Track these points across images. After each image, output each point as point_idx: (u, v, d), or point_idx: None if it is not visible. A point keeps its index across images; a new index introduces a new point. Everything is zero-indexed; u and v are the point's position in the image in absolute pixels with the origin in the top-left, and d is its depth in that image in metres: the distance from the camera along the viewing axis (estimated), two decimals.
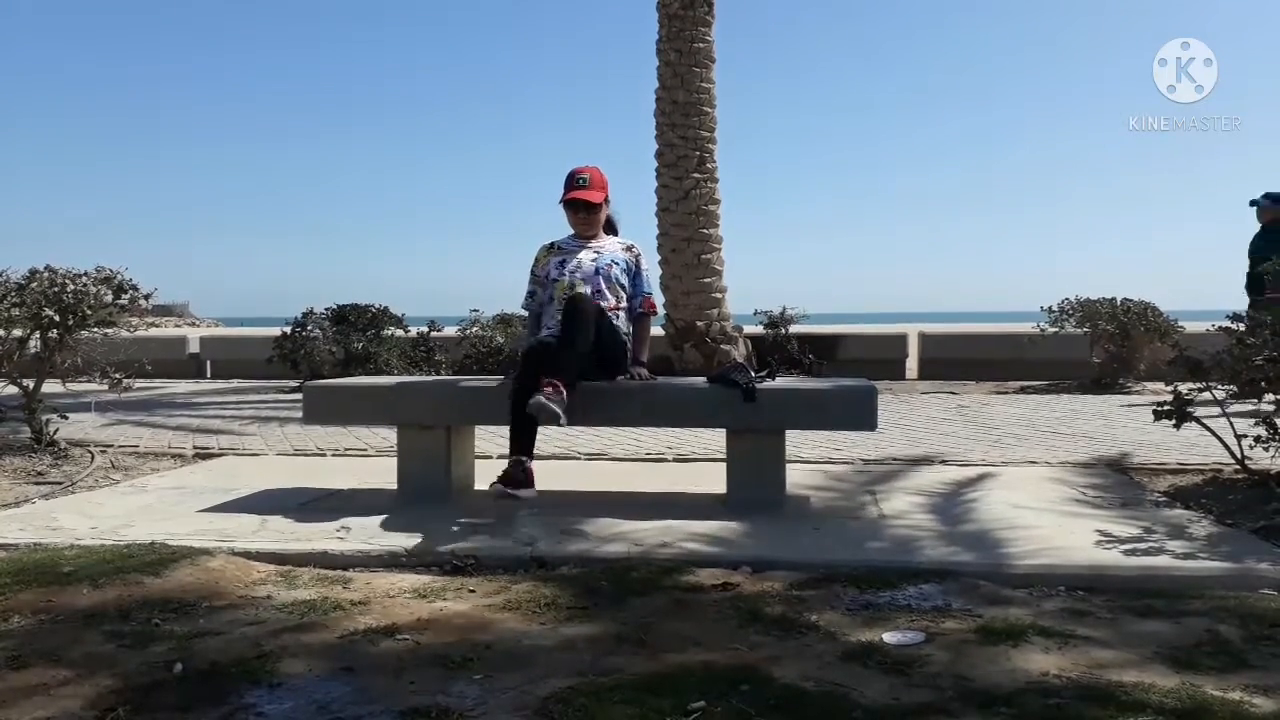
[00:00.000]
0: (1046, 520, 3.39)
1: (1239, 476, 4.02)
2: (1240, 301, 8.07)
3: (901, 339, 11.25)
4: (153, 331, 14.58)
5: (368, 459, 5.04)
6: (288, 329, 9.35)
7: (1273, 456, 3.83)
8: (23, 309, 4.90)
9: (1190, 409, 3.89)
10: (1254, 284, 8.03)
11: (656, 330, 4.79)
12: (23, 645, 2.14)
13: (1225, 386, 4.04)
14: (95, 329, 5.20)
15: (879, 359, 10.66)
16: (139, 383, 5.62)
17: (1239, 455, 3.95)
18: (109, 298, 5.15)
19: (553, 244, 4.06)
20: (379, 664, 2.02)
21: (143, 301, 5.42)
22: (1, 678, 1.96)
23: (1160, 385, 6.45)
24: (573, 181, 3.95)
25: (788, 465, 3.76)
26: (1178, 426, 3.93)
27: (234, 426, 6.33)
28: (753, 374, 3.65)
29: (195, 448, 5.38)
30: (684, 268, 9.53)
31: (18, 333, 5.09)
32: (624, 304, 3.94)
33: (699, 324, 9.37)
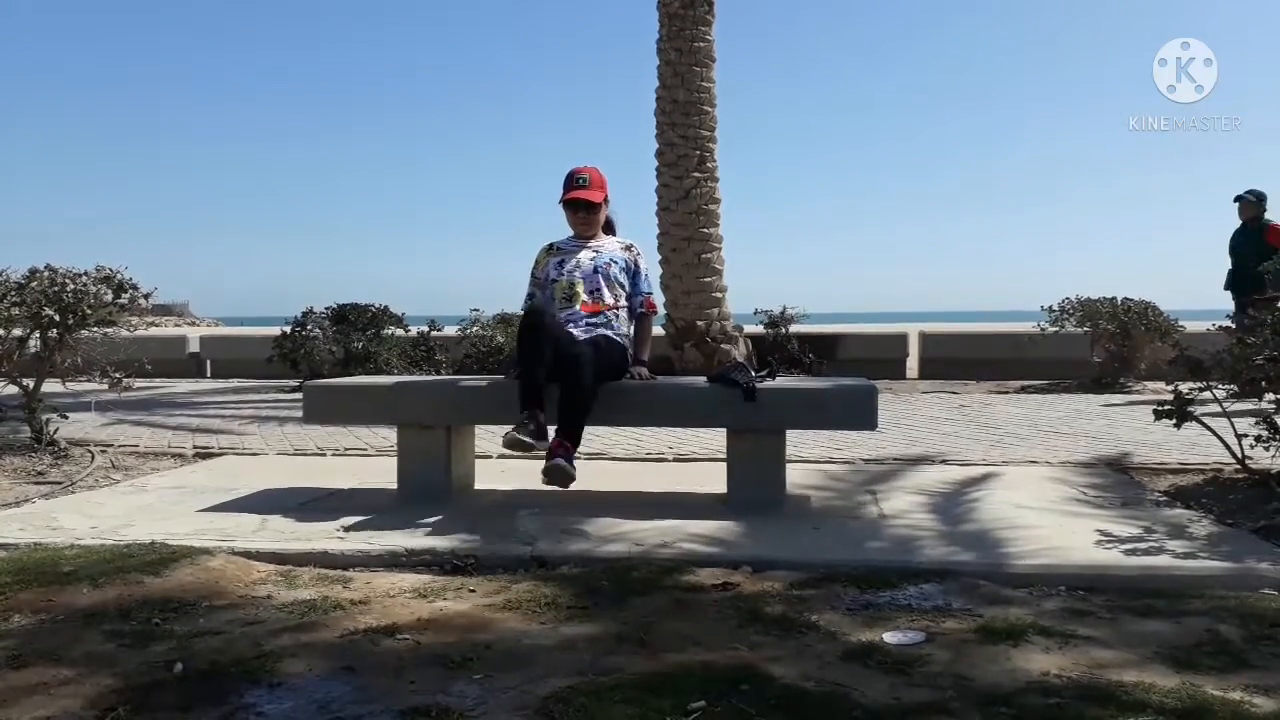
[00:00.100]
0: (1047, 520, 3.39)
1: (1239, 476, 4.01)
2: (1223, 300, 8.06)
3: (902, 338, 11.25)
4: (153, 331, 14.58)
5: (368, 459, 5.04)
6: (288, 328, 9.35)
7: (1273, 456, 3.83)
8: (23, 308, 4.90)
9: (1191, 408, 3.89)
10: (1235, 282, 8.02)
11: (656, 330, 4.78)
12: (23, 645, 2.14)
13: (1225, 386, 4.04)
14: (95, 328, 5.20)
15: (879, 358, 10.66)
16: (139, 382, 5.62)
17: (1239, 455, 3.95)
18: (109, 297, 5.15)
19: (552, 245, 4.06)
20: (379, 663, 2.02)
21: (142, 301, 5.42)
22: (2, 677, 1.96)
23: (1161, 385, 6.45)
24: (572, 181, 3.95)
25: (788, 465, 3.76)
26: (1178, 426, 3.93)
27: (234, 426, 6.33)
28: (753, 373, 3.65)
29: (195, 447, 5.38)
30: (684, 267, 9.52)
31: (18, 332, 5.09)
32: (623, 303, 3.94)
33: (699, 323, 9.37)
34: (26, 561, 2.81)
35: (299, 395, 5.45)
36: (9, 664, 2.02)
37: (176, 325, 45.98)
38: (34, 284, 4.95)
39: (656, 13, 9.75)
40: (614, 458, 4.96)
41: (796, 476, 4.15)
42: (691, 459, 4.91)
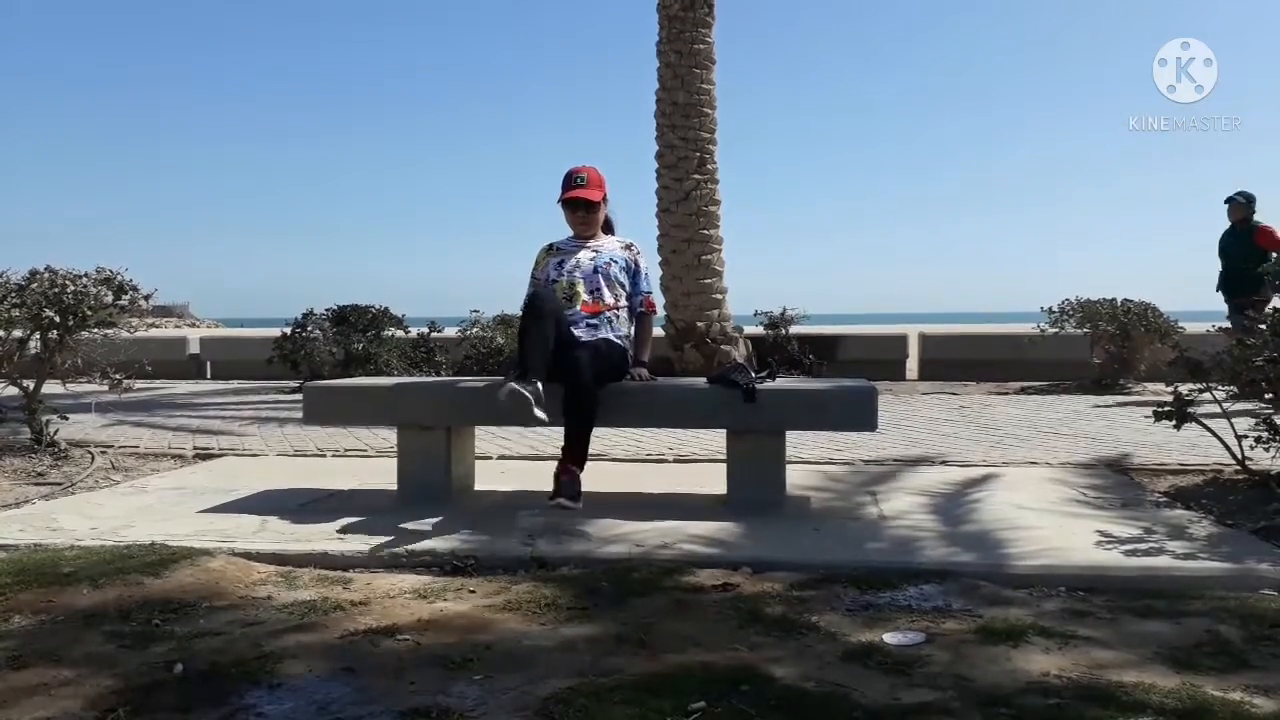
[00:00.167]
0: (1047, 521, 3.39)
1: (1239, 477, 4.01)
2: (1222, 301, 8.06)
3: (902, 339, 11.25)
4: (153, 332, 14.57)
5: (368, 460, 5.04)
6: (288, 330, 9.36)
7: (1273, 457, 3.83)
8: (23, 310, 4.90)
9: (1191, 409, 3.89)
10: (1226, 284, 8.02)
11: (656, 331, 4.78)
12: (23, 645, 2.14)
13: (1225, 387, 4.04)
14: (95, 330, 5.20)
15: (879, 359, 10.66)
16: (139, 383, 5.62)
17: (1239, 456, 3.95)
18: (109, 298, 5.16)
19: (551, 245, 4.06)
20: (379, 664, 2.02)
21: (143, 302, 5.42)
22: (2, 678, 1.96)
23: (1161, 386, 6.46)
24: (571, 181, 3.95)
25: (788, 466, 3.76)
26: (1178, 427, 3.93)
27: (234, 427, 6.33)
28: (753, 375, 3.65)
29: (195, 448, 5.38)
30: (684, 269, 9.53)
31: (18, 333, 5.09)
32: (623, 303, 3.94)
33: (699, 325, 9.37)
34: (27, 562, 2.81)
35: (299, 396, 5.45)
36: (9, 665, 2.02)
37: (177, 326, 45.98)
38: (34, 285, 4.95)
39: (656, 15, 9.76)
40: (614, 458, 4.96)
41: (796, 477, 4.15)
42: (691, 460, 4.91)
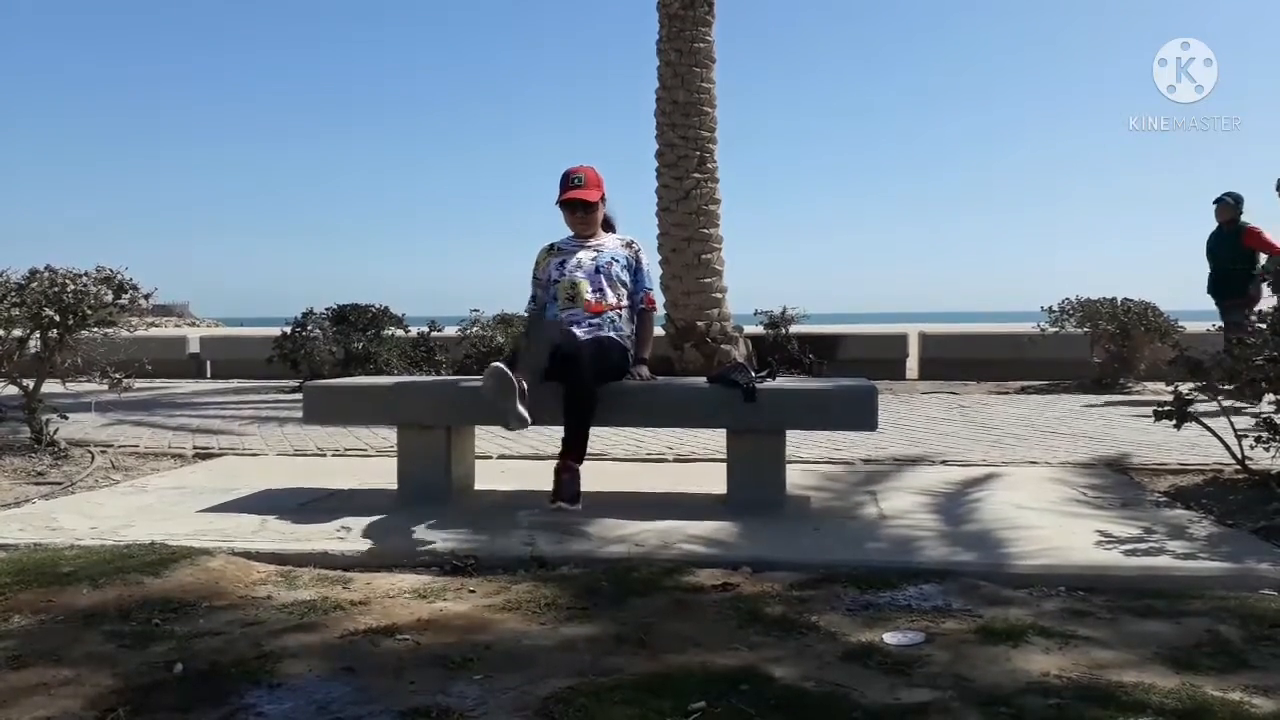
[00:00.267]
0: (1047, 520, 3.39)
1: (1239, 477, 4.01)
2: (1208, 300, 8.07)
3: (902, 339, 11.26)
4: (153, 331, 14.58)
5: (368, 459, 5.04)
6: (288, 329, 9.36)
7: (1273, 456, 3.83)
8: (23, 309, 4.90)
9: (1192, 408, 3.89)
10: (1214, 286, 8.02)
11: (656, 330, 4.77)
12: (23, 645, 2.14)
13: (1225, 387, 4.03)
14: (95, 329, 5.20)
15: (879, 359, 10.66)
16: (139, 383, 5.62)
17: (1239, 455, 3.95)
18: (109, 297, 5.16)
19: (552, 245, 4.06)
20: (379, 664, 2.02)
21: (143, 301, 5.42)
22: (2, 678, 1.96)
23: (1161, 385, 6.46)
24: (568, 182, 3.95)
25: (788, 465, 3.76)
26: (1178, 426, 3.93)
27: (234, 426, 6.33)
28: (753, 374, 3.65)
29: (195, 448, 5.38)
30: (684, 268, 9.53)
31: (18, 333, 5.09)
32: (625, 302, 3.94)
33: (699, 324, 9.37)
34: (26, 562, 2.81)
35: (299, 396, 5.45)
36: (9, 664, 2.02)
37: (176, 326, 45.99)
38: (34, 284, 4.95)
39: (656, 13, 9.75)
40: (614, 458, 4.96)
41: (796, 477, 4.15)
42: (691, 459, 4.91)
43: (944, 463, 4.77)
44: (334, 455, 5.19)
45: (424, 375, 8.44)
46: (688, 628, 2.24)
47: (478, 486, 4.07)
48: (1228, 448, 4.00)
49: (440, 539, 3.14)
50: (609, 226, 4.13)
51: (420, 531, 3.23)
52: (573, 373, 3.45)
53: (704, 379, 3.95)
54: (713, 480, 4.06)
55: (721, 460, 4.00)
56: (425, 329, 9.77)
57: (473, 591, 2.57)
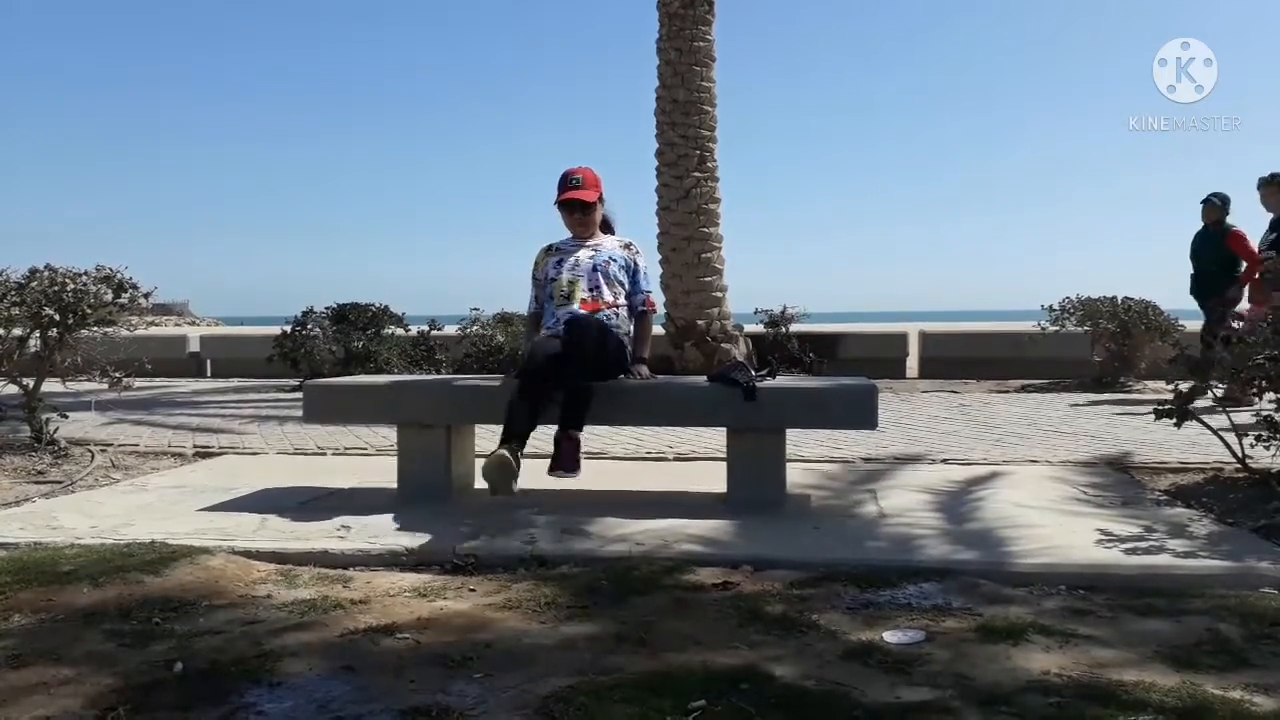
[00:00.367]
0: (1047, 519, 3.39)
1: (1240, 475, 4.01)
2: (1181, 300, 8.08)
3: (902, 338, 11.25)
4: (153, 330, 14.55)
5: (368, 458, 5.04)
6: (288, 328, 9.36)
7: (1273, 455, 3.83)
8: (23, 308, 4.89)
9: (1193, 404, 3.88)
10: (1196, 287, 8.02)
11: (657, 329, 4.76)
12: (23, 644, 2.14)
13: (1224, 386, 4.03)
14: (95, 328, 5.20)
15: (879, 358, 10.66)
16: (139, 382, 5.62)
17: (1240, 454, 3.95)
18: (109, 297, 5.15)
19: (551, 246, 4.06)
20: (379, 663, 2.02)
21: (142, 300, 5.42)
22: (2, 677, 1.95)
23: (1161, 384, 6.45)
24: (566, 182, 3.96)
25: (788, 464, 3.76)
26: (1179, 425, 3.92)
27: (234, 425, 6.33)
28: (753, 373, 3.65)
29: (195, 446, 5.38)
30: (684, 266, 9.52)
31: (18, 332, 5.08)
32: (623, 301, 3.94)
33: (699, 323, 9.37)
34: (26, 561, 2.81)
35: (299, 395, 5.45)
36: (9, 663, 2.02)
37: (176, 325, 45.96)
38: (34, 284, 4.95)
39: (656, 12, 9.75)
40: (614, 457, 4.96)
41: (796, 476, 4.15)
42: (692, 458, 4.91)
43: (944, 461, 4.77)
44: (334, 454, 5.19)
45: (424, 374, 8.44)
46: (688, 626, 2.24)
47: (478, 486, 4.07)
48: (1228, 446, 4.00)
49: (440, 538, 3.14)
50: (607, 227, 4.14)
51: (420, 530, 3.23)
52: (575, 341, 3.45)
53: (704, 378, 3.96)
54: (713, 479, 4.06)
55: (722, 459, 4.00)
56: (425, 328, 9.77)
57: (473, 590, 2.57)
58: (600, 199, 4.02)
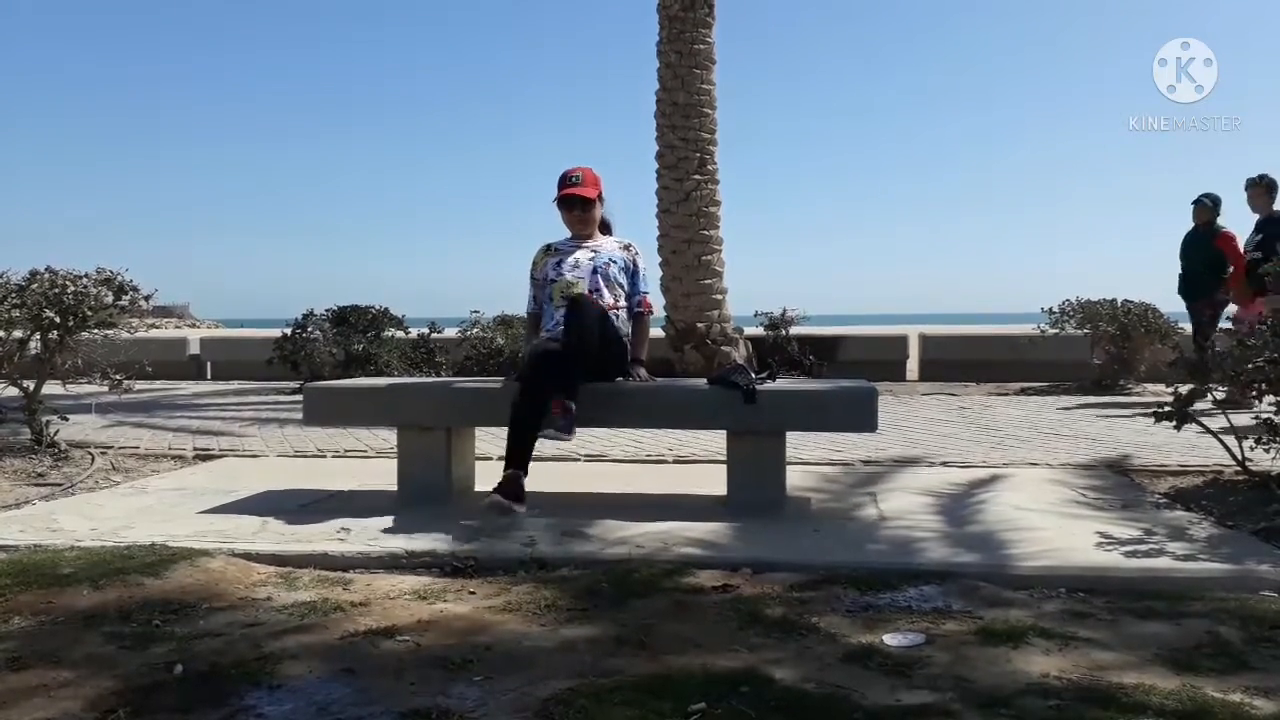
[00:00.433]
0: (1047, 522, 3.39)
1: (1240, 478, 4.01)
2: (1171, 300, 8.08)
3: (902, 340, 11.25)
4: (153, 333, 14.56)
5: (368, 460, 5.04)
6: (288, 330, 9.36)
7: (1273, 458, 3.83)
8: (23, 310, 4.90)
9: (1193, 407, 3.88)
10: (1185, 287, 8.02)
11: (656, 332, 4.76)
12: (23, 646, 2.14)
13: (1224, 388, 4.03)
14: (95, 330, 5.20)
15: (879, 360, 10.66)
16: (139, 384, 5.62)
17: (1240, 457, 3.95)
18: (109, 299, 5.16)
19: (549, 245, 4.06)
20: (379, 665, 2.02)
21: (143, 303, 5.43)
22: (1, 679, 1.96)
23: (1161, 387, 6.45)
24: (566, 180, 3.97)
25: (788, 467, 3.76)
26: (1178, 428, 3.92)
27: (234, 428, 6.33)
28: (753, 375, 3.65)
29: (195, 449, 5.38)
30: (684, 269, 9.53)
31: (18, 334, 5.09)
32: (622, 302, 3.94)
33: (699, 325, 9.37)
34: (26, 563, 2.81)
35: (299, 397, 5.45)
36: (9, 666, 2.02)
37: (177, 327, 45.97)
38: (34, 286, 4.95)
39: (657, 15, 9.76)
40: (614, 459, 4.96)
41: (796, 478, 4.15)
42: (691, 461, 4.91)
43: (944, 464, 4.77)
44: (334, 456, 5.19)
45: (424, 376, 8.44)
46: (688, 629, 2.24)
47: (478, 487, 4.07)
48: (1228, 449, 4.00)
49: (440, 540, 3.14)
50: (606, 228, 4.14)
51: (420, 533, 3.23)
52: (575, 323, 3.47)
53: (704, 380, 3.96)
54: (713, 482, 4.06)
55: (721, 462, 4.00)
56: (425, 330, 9.77)
57: (473, 593, 2.57)
58: (600, 198, 4.03)
